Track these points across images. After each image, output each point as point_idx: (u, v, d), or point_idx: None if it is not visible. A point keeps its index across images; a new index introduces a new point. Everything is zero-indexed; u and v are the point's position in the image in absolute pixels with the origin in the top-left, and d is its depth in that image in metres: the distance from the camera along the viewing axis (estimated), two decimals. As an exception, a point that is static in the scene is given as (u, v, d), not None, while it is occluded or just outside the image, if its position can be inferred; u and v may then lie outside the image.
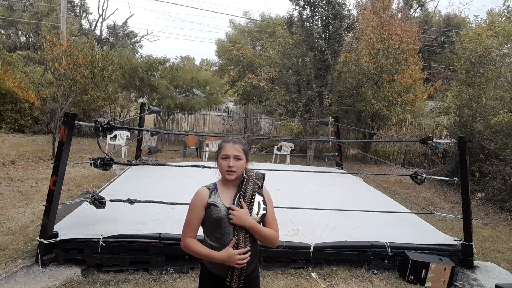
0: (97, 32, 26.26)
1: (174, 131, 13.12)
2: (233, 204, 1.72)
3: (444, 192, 8.61)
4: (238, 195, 1.74)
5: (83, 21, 26.80)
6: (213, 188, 1.77)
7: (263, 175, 1.84)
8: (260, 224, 1.76)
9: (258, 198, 1.76)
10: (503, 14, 11.23)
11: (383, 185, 8.09)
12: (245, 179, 1.77)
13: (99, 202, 3.46)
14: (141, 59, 13.66)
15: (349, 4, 36.50)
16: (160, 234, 3.52)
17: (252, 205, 1.73)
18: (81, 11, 26.56)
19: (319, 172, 6.17)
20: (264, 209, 1.75)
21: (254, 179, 1.78)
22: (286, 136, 14.00)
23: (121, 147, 10.25)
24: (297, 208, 4.39)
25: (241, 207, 1.70)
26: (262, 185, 1.81)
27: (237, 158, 1.74)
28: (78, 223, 3.67)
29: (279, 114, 11.94)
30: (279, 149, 11.51)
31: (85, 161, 4.87)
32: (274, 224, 1.80)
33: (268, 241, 1.74)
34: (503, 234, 5.74)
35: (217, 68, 29.31)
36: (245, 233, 1.70)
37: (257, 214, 1.73)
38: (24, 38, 24.39)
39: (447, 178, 5.45)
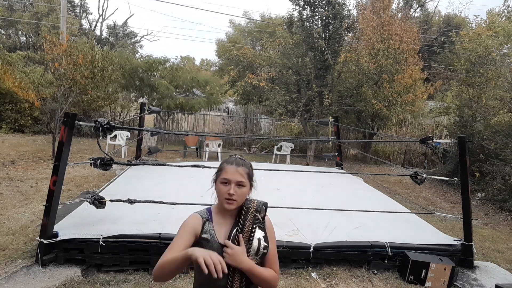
0: (97, 32, 26.28)
1: (174, 131, 13.12)
2: (229, 240, 1.46)
3: (444, 192, 8.62)
4: (235, 230, 1.48)
5: (83, 21, 26.82)
6: (206, 217, 1.51)
7: (265, 205, 1.57)
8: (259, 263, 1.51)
9: (258, 233, 1.51)
10: (503, 14, 11.25)
11: (383, 185, 8.09)
12: (243, 211, 1.51)
13: (99, 202, 3.47)
14: (141, 59, 13.65)
15: (349, 4, 36.54)
16: (160, 234, 3.51)
17: (251, 242, 1.48)
18: (81, 11, 26.57)
19: (319, 172, 6.17)
20: (265, 248, 1.51)
21: (254, 212, 1.52)
22: (286, 136, 14.00)
23: (121, 147, 10.25)
24: (297, 208, 4.39)
25: (238, 243, 1.45)
26: (264, 217, 1.55)
27: (239, 184, 1.49)
28: (78, 223, 3.67)
29: (279, 114, 11.95)
30: (279, 149, 11.51)
31: (85, 161, 4.87)
32: (274, 263, 1.55)
33: (266, 285, 1.50)
34: (503, 234, 5.74)
35: (217, 68, 29.36)
36: (241, 276, 1.46)
37: (256, 254, 1.49)
38: (24, 38, 24.40)
39: (447, 178, 5.46)
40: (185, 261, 1.30)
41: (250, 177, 1.55)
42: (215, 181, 1.55)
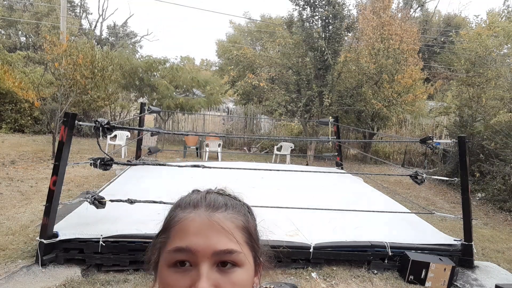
0: (97, 32, 26.29)
1: (174, 131, 13.13)
2: None
3: (444, 192, 8.61)
4: None
5: (83, 21, 26.83)
6: None
7: None
8: None
9: None
10: (503, 14, 11.25)
11: (383, 185, 8.09)
12: None
13: (99, 202, 3.47)
14: (141, 59, 13.67)
15: (349, 4, 36.57)
16: (160, 234, 3.51)
17: None
18: (81, 11, 26.58)
19: (319, 172, 6.17)
20: None
21: None
22: (286, 136, 14.00)
23: (121, 147, 10.25)
24: (297, 208, 4.39)
25: None
26: None
27: (224, 262, 0.54)
28: (78, 223, 3.67)
29: (279, 114, 11.95)
30: (279, 149, 11.51)
31: (85, 161, 4.86)
32: None
33: None
34: (503, 234, 5.74)
35: (217, 68, 29.35)
36: None
37: None
38: (24, 38, 24.39)
39: (447, 178, 5.47)
40: None
41: (251, 237, 0.61)
42: (155, 262, 0.59)
